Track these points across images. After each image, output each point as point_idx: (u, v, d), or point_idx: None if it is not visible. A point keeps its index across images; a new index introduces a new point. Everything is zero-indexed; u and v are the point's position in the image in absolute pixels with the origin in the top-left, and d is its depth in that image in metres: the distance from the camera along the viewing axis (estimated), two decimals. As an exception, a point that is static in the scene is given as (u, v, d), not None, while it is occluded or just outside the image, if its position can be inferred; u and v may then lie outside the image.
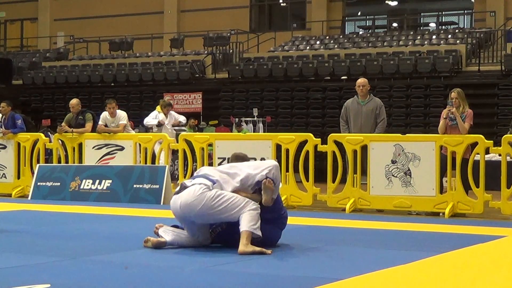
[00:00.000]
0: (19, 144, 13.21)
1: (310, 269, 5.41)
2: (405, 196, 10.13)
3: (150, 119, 14.84)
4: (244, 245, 6.00)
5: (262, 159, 10.94)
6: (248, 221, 6.08)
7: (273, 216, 6.42)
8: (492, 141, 9.98)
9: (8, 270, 5.18)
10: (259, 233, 6.09)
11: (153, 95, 23.56)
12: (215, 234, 6.40)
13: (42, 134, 13.60)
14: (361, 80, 11.38)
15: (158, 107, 15.01)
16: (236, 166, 6.50)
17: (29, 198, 12.21)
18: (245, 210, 6.13)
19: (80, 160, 12.65)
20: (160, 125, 14.65)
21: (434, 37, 23.66)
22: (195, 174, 6.68)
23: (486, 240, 7.21)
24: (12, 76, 26.43)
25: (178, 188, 6.44)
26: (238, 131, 18.07)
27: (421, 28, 27.51)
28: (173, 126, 15.07)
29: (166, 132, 13.72)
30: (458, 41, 22.49)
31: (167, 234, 6.38)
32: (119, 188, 11.71)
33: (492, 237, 7.48)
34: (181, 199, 6.22)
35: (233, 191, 6.27)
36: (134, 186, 11.64)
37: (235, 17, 28.44)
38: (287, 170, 10.89)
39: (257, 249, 5.99)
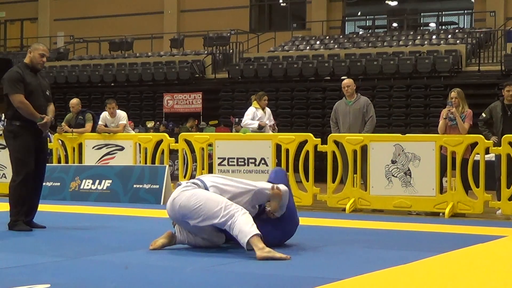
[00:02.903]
0: (19, 144, 13.17)
1: (310, 269, 5.41)
2: (405, 196, 10.13)
3: (249, 120, 12.36)
4: (260, 250, 5.58)
5: (262, 159, 10.98)
6: (246, 224, 5.66)
7: (283, 221, 6.34)
8: (492, 141, 9.99)
9: (8, 270, 5.18)
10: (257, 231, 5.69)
11: (153, 95, 23.59)
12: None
13: (42, 134, 13.58)
14: (346, 81, 11.55)
15: (255, 103, 12.57)
16: (250, 182, 6.22)
17: (29, 198, 12.19)
18: (237, 217, 5.71)
19: (80, 160, 12.65)
20: (261, 127, 12.22)
21: (434, 37, 23.65)
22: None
23: (486, 240, 7.20)
24: (12, 76, 26.41)
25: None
26: (237, 131, 18.04)
27: (421, 28, 27.50)
28: (259, 128, 12.28)
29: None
30: (458, 41, 22.49)
31: (181, 233, 6.22)
32: (119, 188, 11.72)
33: (492, 237, 7.48)
34: (170, 198, 6.11)
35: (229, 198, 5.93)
36: (134, 186, 11.64)
37: (235, 17, 28.43)
38: (287, 170, 10.88)
39: (277, 255, 5.59)
